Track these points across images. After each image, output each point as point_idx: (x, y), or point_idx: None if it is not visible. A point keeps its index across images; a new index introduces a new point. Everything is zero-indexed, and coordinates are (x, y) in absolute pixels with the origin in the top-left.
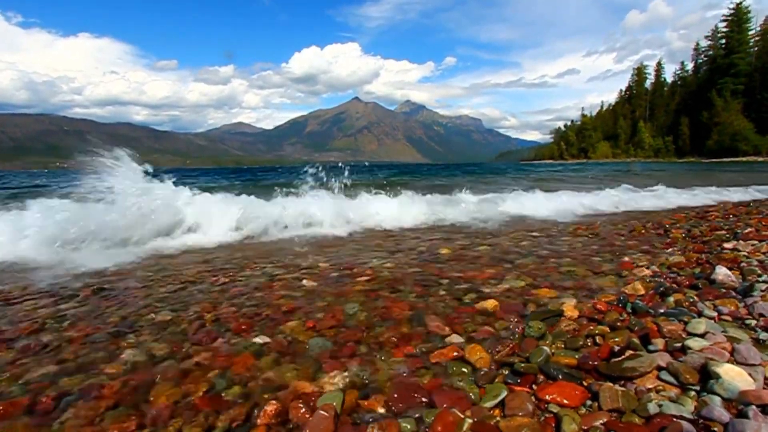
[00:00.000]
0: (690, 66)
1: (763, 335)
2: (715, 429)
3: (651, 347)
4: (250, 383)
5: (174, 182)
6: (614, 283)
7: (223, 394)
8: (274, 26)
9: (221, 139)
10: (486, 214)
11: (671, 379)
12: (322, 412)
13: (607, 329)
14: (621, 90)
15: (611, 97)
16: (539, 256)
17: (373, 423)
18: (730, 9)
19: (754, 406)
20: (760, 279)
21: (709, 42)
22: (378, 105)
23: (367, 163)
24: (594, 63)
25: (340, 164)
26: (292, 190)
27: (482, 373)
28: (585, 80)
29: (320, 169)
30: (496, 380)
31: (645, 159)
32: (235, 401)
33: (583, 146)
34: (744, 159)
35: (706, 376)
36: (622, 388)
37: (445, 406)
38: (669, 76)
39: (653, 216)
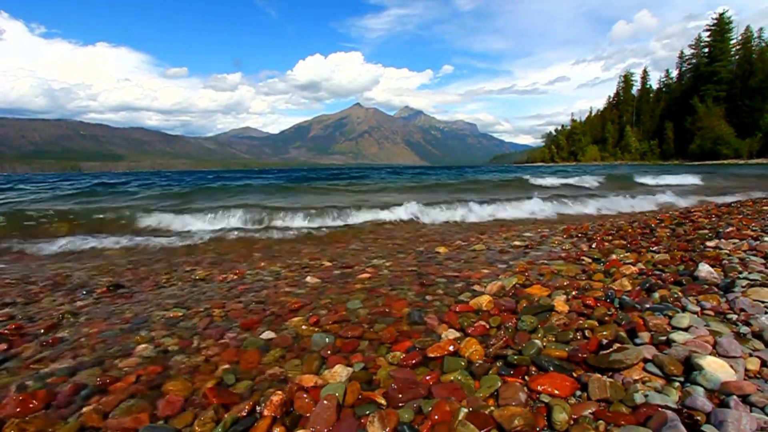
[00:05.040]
0: (674, 73)
1: (743, 329)
2: (698, 418)
3: (637, 340)
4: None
5: None
6: (602, 279)
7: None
8: (279, 36)
9: (229, 143)
10: None
11: (657, 370)
12: (325, 402)
13: (596, 323)
14: (609, 96)
15: (599, 103)
16: (531, 255)
17: (374, 413)
18: (713, 19)
19: (735, 396)
20: (741, 276)
21: (692, 50)
22: (378, 110)
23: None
24: (583, 71)
25: None
26: None
27: (477, 365)
28: (574, 87)
29: None
30: (491, 372)
31: (632, 161)
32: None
33: (573, 150)
34: (725, 162)
35: (690, 367)
36: (610, 379)
37: (442, 396)
38: (654, 83)
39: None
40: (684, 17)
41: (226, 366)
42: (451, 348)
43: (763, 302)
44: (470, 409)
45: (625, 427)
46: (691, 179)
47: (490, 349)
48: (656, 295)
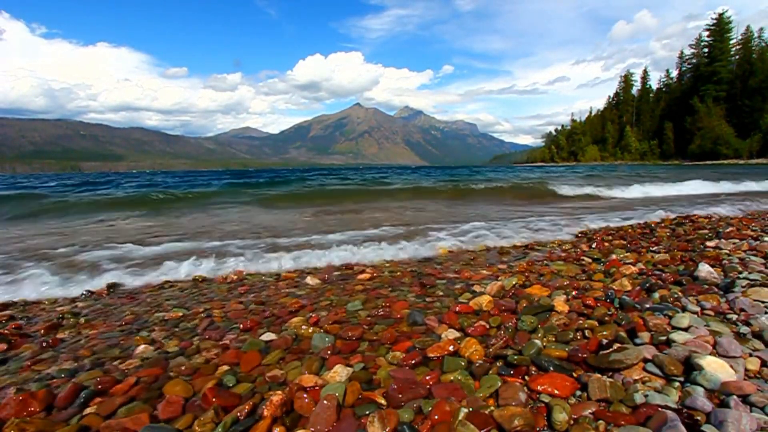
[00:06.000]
0: (674, 73)
1: (743, 329)
2: (698, 418)
3: (637, 340)
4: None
5: None
6: (602, 279)
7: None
8: (280, 36)
9: (229, 143)
10: None
11: (657, 370)
12: (326, 402)
13: (596, 323)
14: (609, 96)
15: (599, 103)
16: (531, 255)
17: (374, 413)
18: (713, 19)
19: (735, 396)
20: (740, 276)
21: (692, 50)
22: (378, 110)
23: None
24: (583, 71)
25: None
26: None
27: (477, 365)
28: (574, 87)
29: None
30: (491, 372)
31: (631, 162)
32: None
33: (573, 150)
34: (725, 162)
35: (690, 367)
36: (610, 379)
37: (442, 396)
38: (654, 83)
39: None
40: (684, 17)
41: (226, 367)
42: (451, 348)
43: (763, 302)
44: (470, 409)
45: (625, 427)
46: None
47: (490, 349)
48: (656, 295)
